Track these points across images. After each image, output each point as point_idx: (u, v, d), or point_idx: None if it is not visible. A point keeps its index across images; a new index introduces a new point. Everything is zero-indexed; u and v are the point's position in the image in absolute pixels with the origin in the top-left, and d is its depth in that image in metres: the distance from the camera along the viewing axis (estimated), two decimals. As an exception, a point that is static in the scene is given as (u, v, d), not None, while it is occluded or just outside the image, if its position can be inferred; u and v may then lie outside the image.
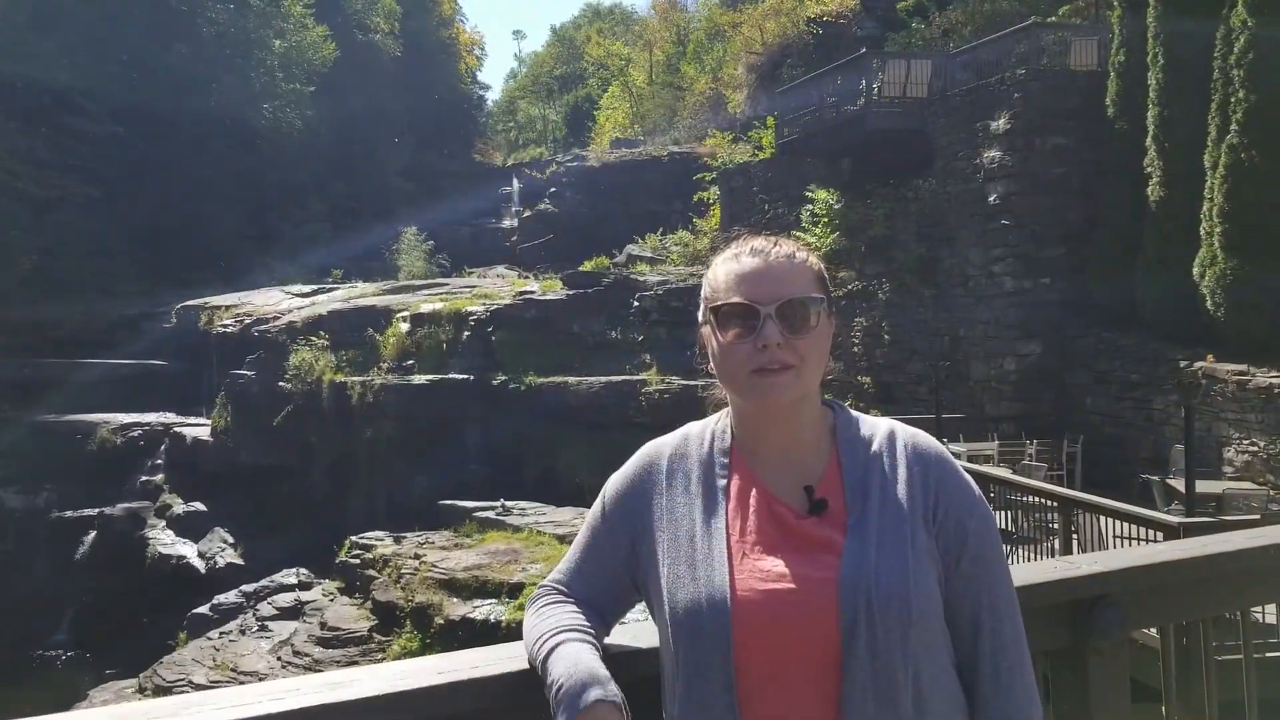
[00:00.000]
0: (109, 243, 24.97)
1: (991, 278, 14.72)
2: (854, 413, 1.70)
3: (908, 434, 1.64)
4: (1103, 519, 8.17)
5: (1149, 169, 12.76)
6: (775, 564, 1.54)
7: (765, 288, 1.58)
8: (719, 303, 1.60)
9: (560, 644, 1.54)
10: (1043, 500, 9.23)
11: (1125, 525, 7.93)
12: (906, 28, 19.24)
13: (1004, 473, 10.68)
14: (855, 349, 17.18)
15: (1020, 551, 9.14)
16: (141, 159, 26.33)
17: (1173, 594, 2.07)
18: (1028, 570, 2.00)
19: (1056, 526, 8.85)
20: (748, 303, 1.57)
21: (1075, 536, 8.51)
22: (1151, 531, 7.32)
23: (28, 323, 21.71)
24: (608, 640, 1.66)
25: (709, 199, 23.70)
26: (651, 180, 30.98)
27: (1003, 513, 9.68)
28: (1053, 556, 8.69)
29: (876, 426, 1.66)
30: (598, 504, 1.71)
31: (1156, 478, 10.59)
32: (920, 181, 16.24)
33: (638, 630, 1.67)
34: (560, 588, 1.71)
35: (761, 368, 1.55)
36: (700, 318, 1.65)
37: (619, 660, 1.55)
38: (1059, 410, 14.13)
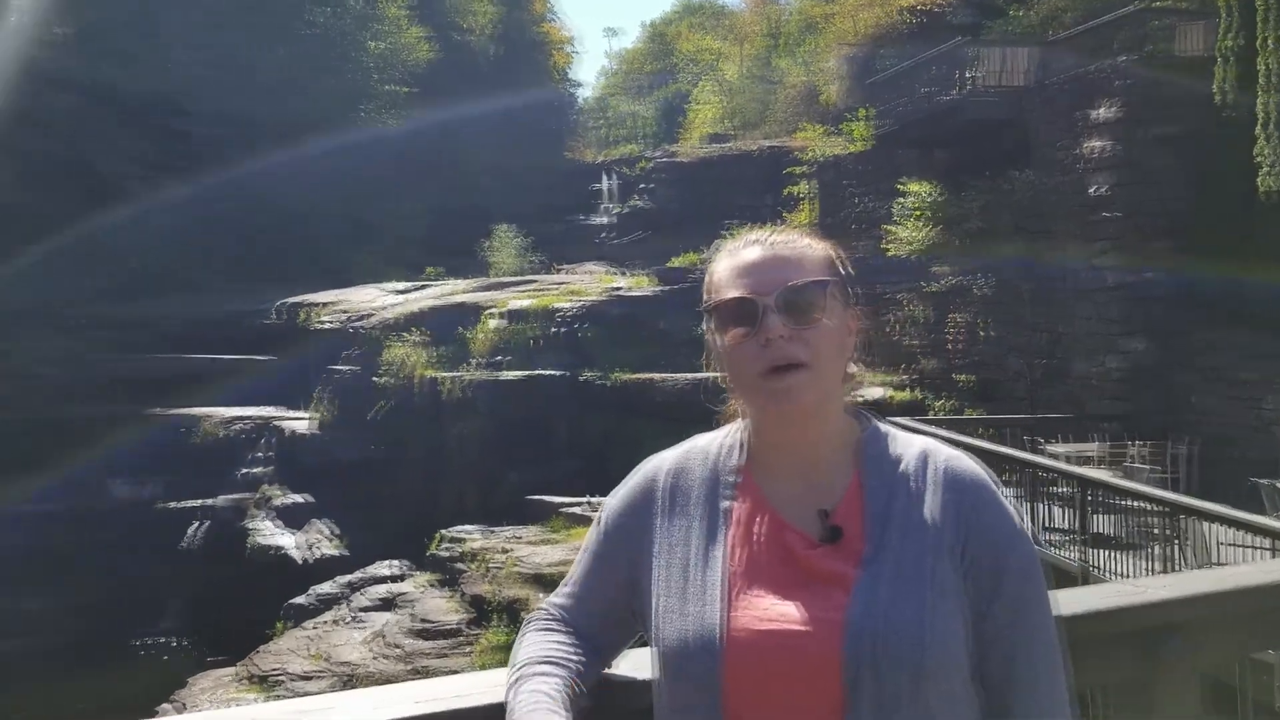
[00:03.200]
0: (212, 241, 25.72)
1: (1093, 272, 14.23)
2: (886, 426, 1.50)
3: (944, 456, 1.44)
4: (1210, 525, 7.81)
5: (1259, 158, 12.17)
6: (776, 601, 1.35)
7: (765, 277, 1.42)
8: (716, 300, 1.45)
9: (525, 677, 1.40)
10: (1145, 505, 8.87)
11: (1234, 532, 7.56)
12: (1004, 15, 18.73)
13: (1106, 475, 10.30)
14: (952, 346, 16.81)
15: (1122, 558, 8.81)
16: (242, 159, 27.08)
17: (1247, 624, 1.87)
18: (1089, 595, 1.82)
19: (1158, 533, 8.51)
20: (746, 295, 1.41)
21: (1178, 543, 8.16)
22: (1257, 538, 6.97)
23: (134, 319, 22.45)
24: (609, 670, 1.51)
25: (800, 193, 23.42)
26: (743, 175, 30.77)
27: (1104, 517, 9.36)
28: (1157, 563, 8.37)
29: (909, 444, 1.46)
30: (596, 525, 1.55)
31: (1266, 481, 10.10)
32: (1018, 173, 15.79)
33: (641, 660, 1.50)
34: (555, 612, 1.55)
35: (769, 366, 1.38)
36: (704, 324, 1.49)
37: (617, 691, 1.42)
38: (1164, 410, 13.59)
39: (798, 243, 1.48)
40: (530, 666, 1.43)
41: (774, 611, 1.35)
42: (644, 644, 1.47)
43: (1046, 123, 15.34)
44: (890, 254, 17.75)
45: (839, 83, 27.80)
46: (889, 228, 17.94)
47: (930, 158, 18.29)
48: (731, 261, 1.47)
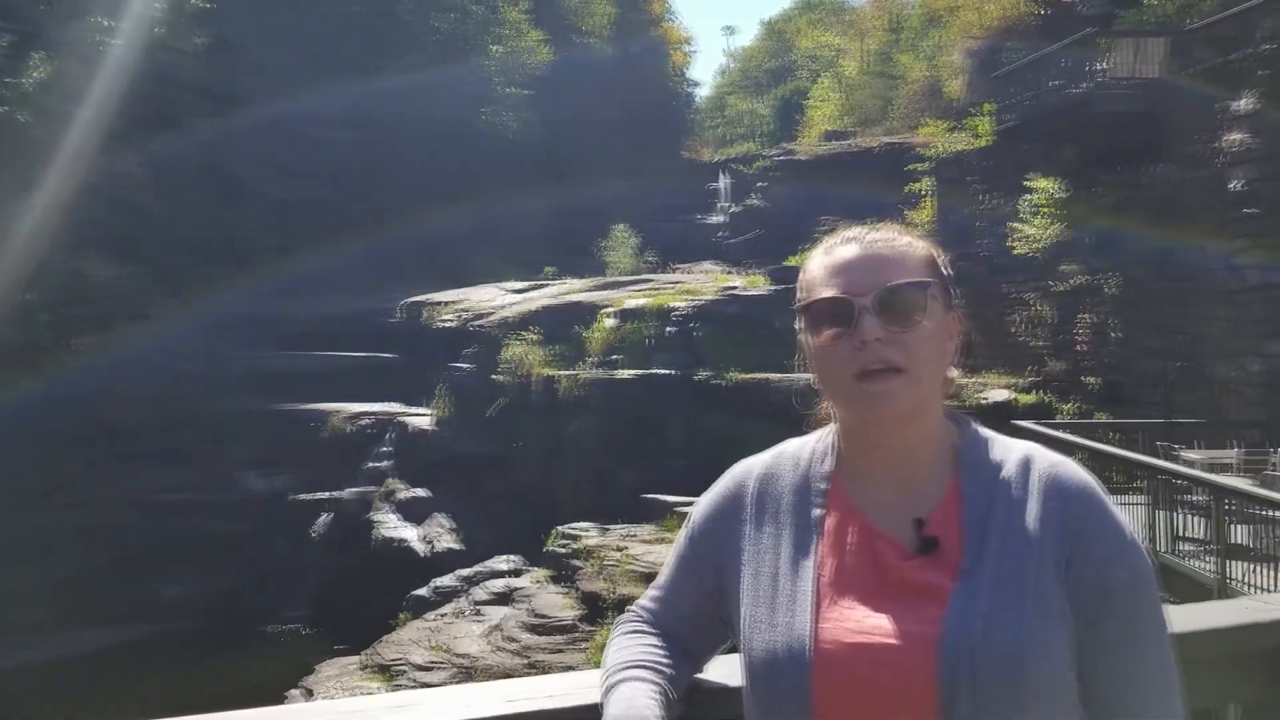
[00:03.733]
0: (340, 242, 26.55)
1: (1233, 271, 13.55)
2: (985, 431, 1.42)
3: (1048, 461, 1.36)
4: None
5: None
6: (868, 613, 1.30)
7: (862, 276, 1.35)
8: (810, 300, 1.38)
9: (621, 681, 1.38)
10: (1287, 515, 8.43)
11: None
12: (1138, 4, 17.97)
13: (1245, 484, 9.81)
14: (1080, 347, 16.24)
15: (1262, 571, 8.38)
16: (370, 163, 27.89)
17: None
18: (1213, 611, 1.72)
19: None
20: (842, 295, 1.34)
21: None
22: None
23: (268, 317, 23.33)
24: (701, 676, 1.48)
25: (922, 190, 22.94)
26: (863, 173, 30.24)
27: (1242, 527, 8.92)
28: (1298, 577, 7.96)
29: (1010, 450, 1.39)
30: (685, 527, 1.52)
31: None
32: (1152, 168, 15.16)
33: (732, 666, 1.46)
34: (645, 614, 1.54)
35: (864, 370, 1.31)
36: (796, 324, 1.43)
37: (707, 698, 1.39)
38: (1310, 416, 12.88)
39: (897, 241, 1.42)
40: (624, 670, 1.42)
41: (865, 624, 1.30)
42: (736, 650, 1.44)
43: (1184, 115, 14.69)
44: (1015, 252, 17.24)
45: (962, 77, 27.16)
46: (1014, 225, 17.43)
47: (1058, 153, 17.70)
48: (827, 259, 1.42)
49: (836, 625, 1.31)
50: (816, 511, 1.41)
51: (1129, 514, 9.45)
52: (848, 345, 1.34)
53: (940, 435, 1.41)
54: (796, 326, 1.44)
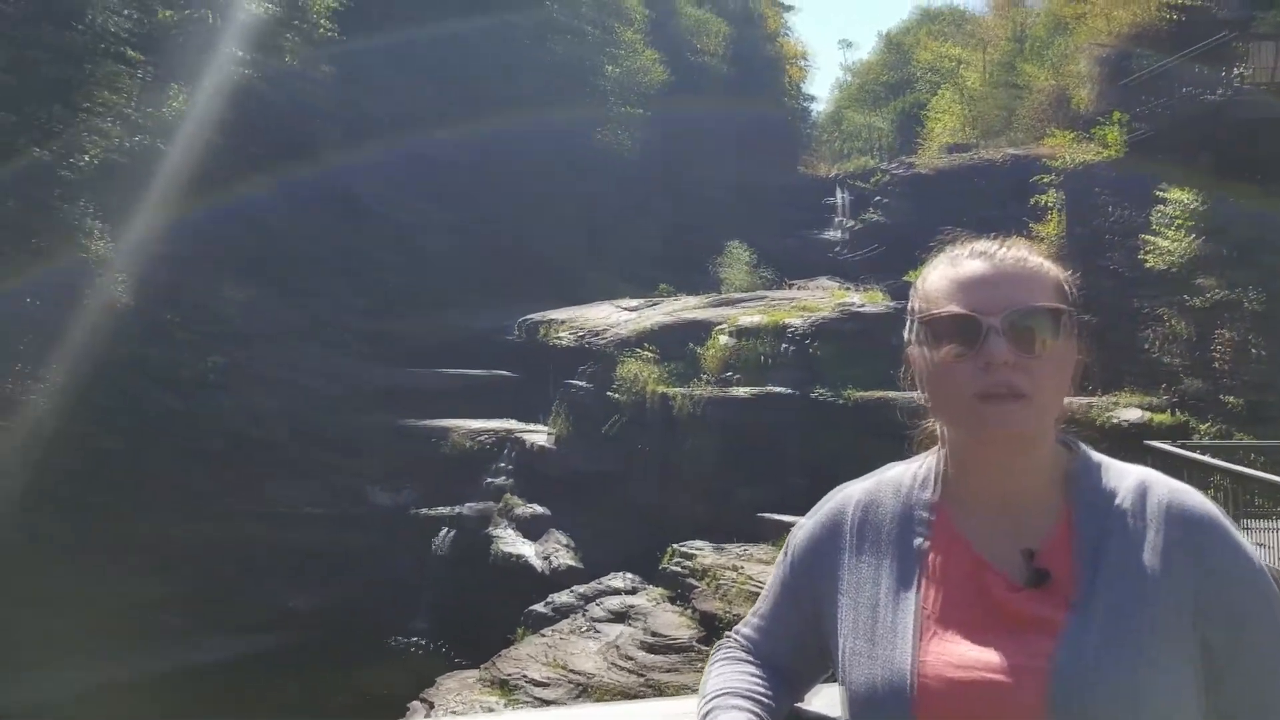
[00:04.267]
0: (461, 262, 27.13)
1: (1388, 284, 12.79)
2: (1098, 456, 1.35)
3: (1167, 488, 1.28)
4: None
5: None
6: (973, 648, 1.24)
7: (991, 295, 1.29)
8: (931, 313, 1.32)
9: (716, 709, 1.36)
10: None
11: None
12: (1277, 6, 17.16)
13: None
14: (1219, 365, 15.51)
15: None
16: (489, 184, 28.47)
17: None
18: None
19: None
20: (968, 313, 1.28)
21: None
22: None
23: (393, 335, 23.99)
24: (802, 705, 1.45)
25: (1048, 203, 22.28)
26: (986, 185, 29.65)
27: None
28: None
29: (1125, 476, 1.31)
30: (783, 553, 1.48)
31: None
32: (1297, 176, 14.43)
33: (833, 697, 1.43)
34: (744, 641, 1.50)
35: (986, 392, 1.25)
36: (906, 335, 1.37)
37: None
38: None
39: (1029, 261, 1.35)
40: (722, 699, 1.39)
41: (970, 658, 1.24)
42: (836, 679, 1.40)
43: (1330, 120, 13.96)
44: (1148, 266, 16.58)
45: (1090, 86, 26.33)
46: (1147, 238, 16.77)
47: (1193, 162, 16.98)
48: (952, 272, 1.36)
49: (939, 659, 1.26)
50: (919, 540, 1.35)
51: (1273, 540, 8.97)
52: (971, 365, 1.28)
53: (1051, 462, 1.34)
54: (907, 338, 1.38)
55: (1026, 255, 1.36)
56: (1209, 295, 15.60)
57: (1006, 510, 1.32)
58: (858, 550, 1.39)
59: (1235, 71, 15.41)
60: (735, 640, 1.53)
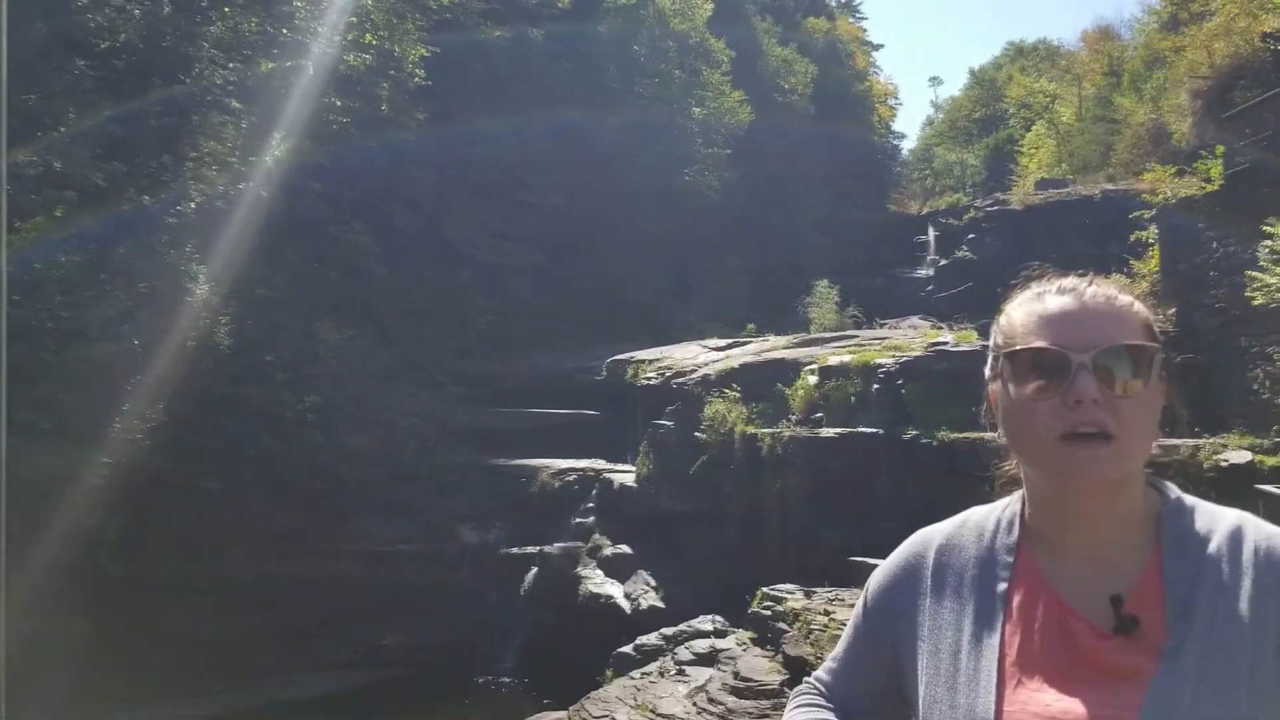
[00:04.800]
0: (549, 303, 27.46)
1: None
2: (1190, 499, 1.30)
3: (1263, 533, 1.22)
4: None
5: None
6: (1058, 697, 1.19)
7: (1079, 331, 1.26)
8: (1016, 347, 1.29)
9: None
10: None
11: None
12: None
13: None
14: (1331, 405, 14.84)
15: None
16: (577, 226, 28.82)
17: None
18: None
19: None
20: (1056, 348, 1.25)
21: None
22: None
23: (483, 375, 24.34)
24: None
25: (1148, 239, 21.68)
26: (1082, 221, 29.08)
27: None
28: None
29: (1218, 519, 1.26)
30: (861, 600, 1.46)
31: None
32: None
33: None
34: (820, 687, 1.48)
35: (1073, 432, 1.21)
36: (989, 370, 1.36)
37: None
38: None
39: (1118, 299, 1.32)
40: None
41: (1055, 708, 1.19)
42: None
43: None
44: (1255, 303, 15.99)
45: (1189, 119, 25.68)
46: (1252, 274, 16.18)
47: (1301, 195, 16.39)
48: (1038, 307, 1.33)
49: (1023, 709, 1.21)
50: (1002, 585, 1.31)
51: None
52: (1057, 402, 1.24)
53: (1139, 504, 1.30)
54: (988, 373, 1.37)
55: (1115, 293, 1.33)
56: (1321, 333, 14.97)
57: (1092, 554, 1.28)
58: (938, 594, 1.36)
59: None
60: (813, 685, 1.52)
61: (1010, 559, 1.33)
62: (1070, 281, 1.35)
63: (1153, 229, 21.31)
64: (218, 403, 17.33)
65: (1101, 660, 1.21)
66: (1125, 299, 1.33)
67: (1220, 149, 19.11)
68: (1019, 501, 1.38)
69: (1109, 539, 1.28)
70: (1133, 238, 22.30)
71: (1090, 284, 1.34)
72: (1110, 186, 30.20)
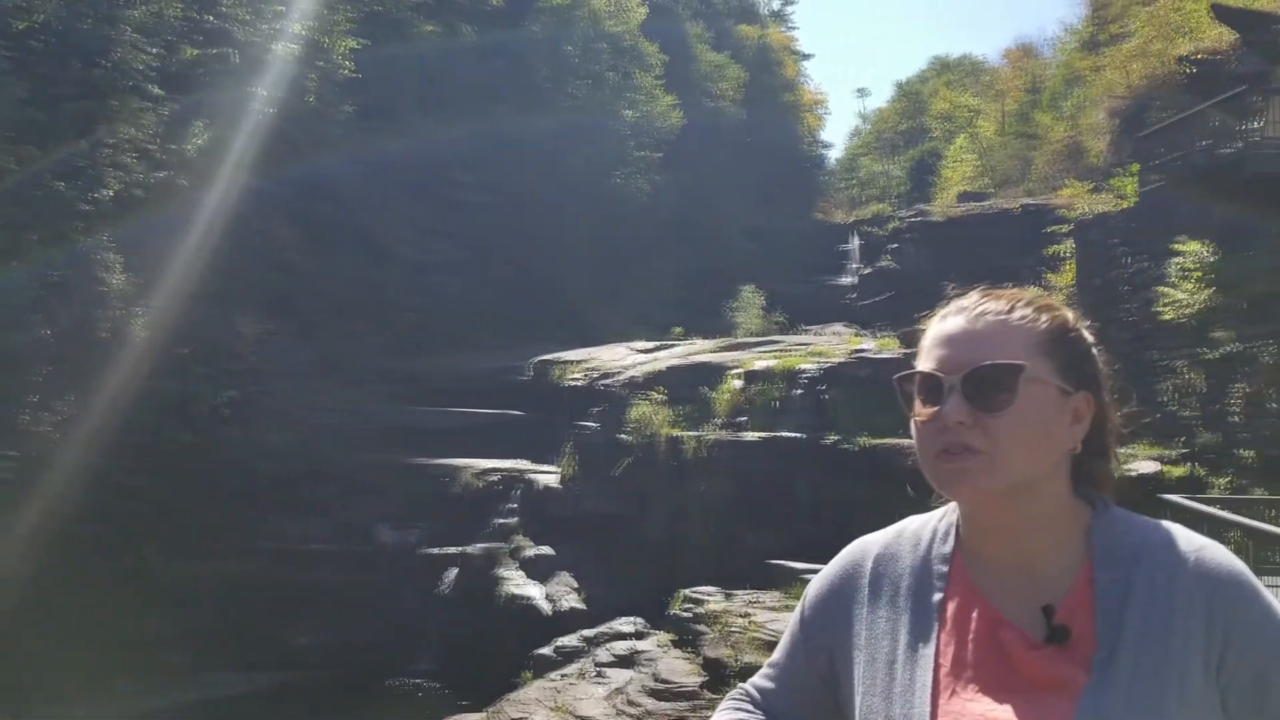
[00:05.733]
0: (477, 302, 27.26)
1: (1406, 340, 12.70)
2: (1121, 512, 1.30)
3: (1193, 545, 1.24)
4: None
5: None
6: (991, 706, 1.20)
7: (956, 353, 1.27)
8: (904, 371, 1.32)
9: None
10: None
11: None
12: (1297, 60, 17.24)
13: None
14: (1234, 418, 15.39)
15: None
16: (506, 225, 28.68)
17: None
18: None
19: None
20: (932, 371, 1.28)
21: None
22: None
23: (407, 373, 24.06)
24: None
25: (1064, 253, 22.29)
26: (1001, 234, 29.75)
27: None
28: None
29: (1149, 531, 1.27)
30: (799, 607, 1.45)
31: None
32: (1313, 230, 14.39)
33: None
34: (753, 694, 1.47)
35: (945, 450, 1.24)
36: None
37: None
38: None
39: (1010, 314, 1.32)
40: None
41: (989, 718, 1.20)
42: None
43: (1347, 175, 13.94)
44: (1164, 318, 16.53)
45: (1106, 137, 26.45)
46: (1162, 289, 16.74)
47: (1209, 215, 16.98)
48: (938, 328, 1.35)
49: (956, 719, 1.22)
50: (937, 595, 1.32)
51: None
52: (935, 424, 1.27)
53: (1067, 517, 1.30)
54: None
55: (1008, 307, 1.33)
56: (1224, 348, 15.53)
57: (1021, 565, 1.29)
58: (874, 604, 1.36)
59: (1253, 125, 15.41)
60: (747, 691, 1.50)
61: (945, 569, 1.34)
62: (970, 299, 1.36)
63: (1069, 243, 21.91)
64: (131, 396, 16.86)
65: (1033, 670, 1.22)
66: (1021, 311, 1.33)
67: (1135, 167, 19.72)
68: (955, 512, 1.38)
69: (1036, 550, 1.29)
70: (1050, 251, 22.91)
71: (986, 300, 1.34)
72: (1029, 200, 30.94)
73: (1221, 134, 16.26)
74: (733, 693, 1.52)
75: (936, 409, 1.27)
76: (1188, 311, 16.09)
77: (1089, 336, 1.38)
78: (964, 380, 1.26)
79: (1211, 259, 16.18)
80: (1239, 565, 1.24)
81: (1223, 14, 20.15)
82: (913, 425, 1.32)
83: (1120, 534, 1.28)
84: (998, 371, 1.26)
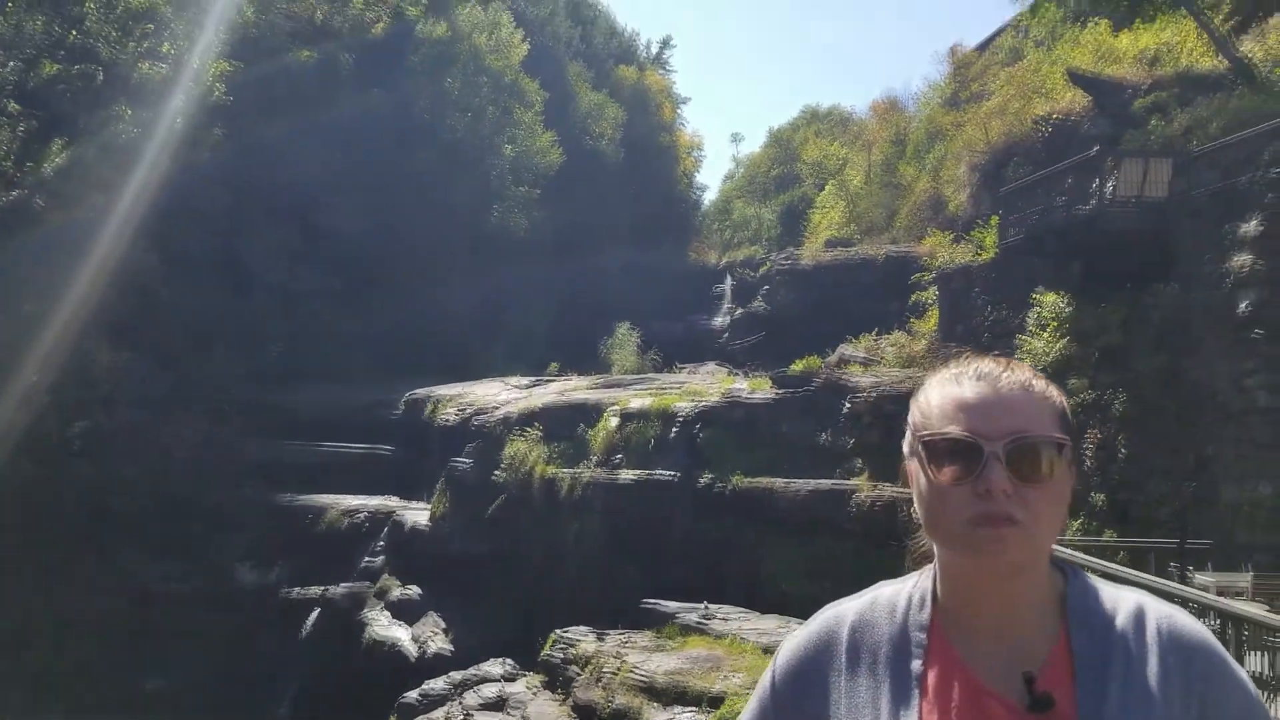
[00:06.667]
0: (348, 333, 26.64)
1: (1243, 393, 13.50)
2: (1093, 579, 1.35)
3: (1162, 612, 1.29)
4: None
5: None
6: None
7: (993, 420, 1.27)
8: (932, 434, 1.30)
9: None
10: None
11: None
12: (1143, 126, 18.31)
13: (1258, 610, 9.60)
14: (1086, 464, 16.11)
15: (1280, 701, 8.14)
16: (381, 255, 28.19)
17: None
18: None
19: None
20: (970, 437, 1.26)
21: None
22: None
23: (272, 405, 23.28)
24: None
25: (927, 300, 23.07)
26: (867, 280, 30.60)
27: (1255, 654, 8.68)
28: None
29: (1120, 600, 1.31)
30: (767, 675, 1.42)
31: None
32: (1161, 286, 15.23)
33: None
34: None
35: (982, 517, 1.24)
36: (906, 447, 1.35)
37: None
38: (1324, 541, 12.68)
39: (1033, 387, 1.34)
40: None
41: None
42: None
43: (1191, 236, 14.82)
44: (1022, 366, 17.21)
45: (966, 191, 27.55)
46: (1021, 338, 17.46)
47: (1065, 269, 17.83)
48: (955, 391, 1.33)
49: None
50: (916, 664, 1.32)
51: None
52: (969, 489, 1.26)
53: (1045, 585, 1.34)
54: (905, 450, 1.35)
55: (1030, 380, 1.35)
56: (1078, 397, 16.26)
57: (1001, 632, 1.31)
58: (852, 674, 1.35)
59: (1106, 186, 16.27)
60: None
61: (924, 636, 1.33)
62: (987, 366, 1.35)
63: (933, 290, 22.71)
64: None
65: None
66: (1040, 386, 1.35)
67: (994, 220, 20.59)
68: (929, 578, 1.38)
69: (1017, 618, 1.31)
70: (913, 298, 23.69)
71: (1006, 370, 1.36)
72: (893, 248, 31.92)
73: (1076, 192, 17.12)
74: None
75: (973, 474, 1.26)
76: (1044, 360, 16.80)
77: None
78: (1008, 449, 1.26)
79: (1067, 310, 16.96)
80: (1206, 633, 1.30)
81: (1077, 79, 21.30)
82: (926, 485, 1.31)
83: (1093, 602, 1.32)
84: (1045, 443, 1.28)
